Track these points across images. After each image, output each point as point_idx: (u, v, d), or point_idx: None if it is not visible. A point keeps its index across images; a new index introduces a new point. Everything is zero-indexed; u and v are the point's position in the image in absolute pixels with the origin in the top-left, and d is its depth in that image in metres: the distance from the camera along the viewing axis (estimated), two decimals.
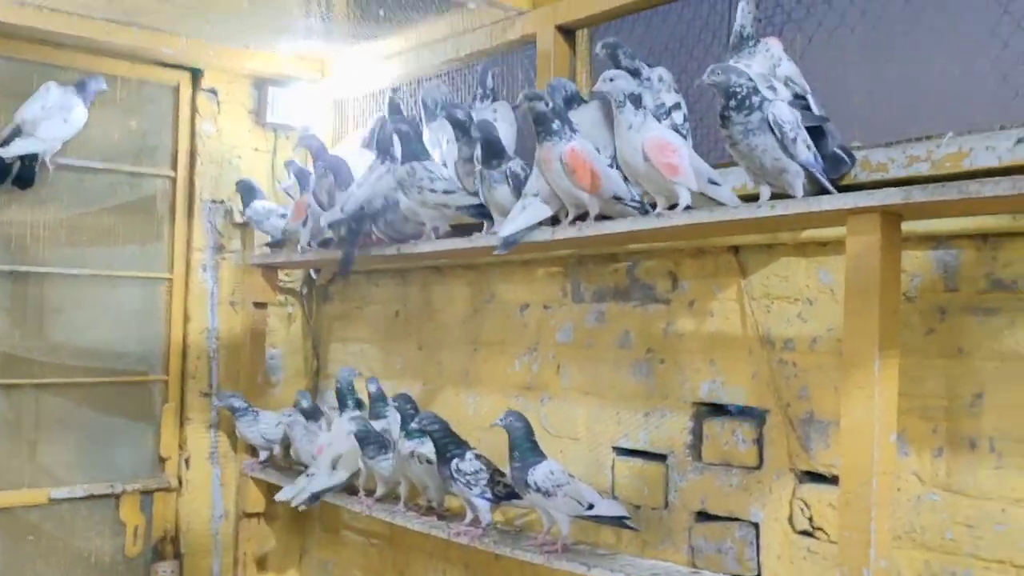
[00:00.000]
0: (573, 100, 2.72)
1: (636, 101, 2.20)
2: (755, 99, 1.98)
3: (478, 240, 2.78)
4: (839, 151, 2.17)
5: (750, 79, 2.01)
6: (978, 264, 2.09)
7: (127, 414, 3.94)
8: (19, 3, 3.39)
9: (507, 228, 2.60)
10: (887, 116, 2.34)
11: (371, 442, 3.08)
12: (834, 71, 2.49)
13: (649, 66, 2.67)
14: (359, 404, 3.47)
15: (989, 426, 2.05)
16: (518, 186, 2.61)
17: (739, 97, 1.98)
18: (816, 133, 2.25)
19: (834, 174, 2.13)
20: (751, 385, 2.55)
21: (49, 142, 3.56)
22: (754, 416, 2.55)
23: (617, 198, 2.42)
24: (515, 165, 2.63)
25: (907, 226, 2.07)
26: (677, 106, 2.57)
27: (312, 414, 3.64)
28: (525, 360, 3.24)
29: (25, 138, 3.51)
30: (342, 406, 3.48)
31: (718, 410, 2.66)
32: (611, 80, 2.22)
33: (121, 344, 3.91)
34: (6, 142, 3.50)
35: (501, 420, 2.62)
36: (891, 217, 1.85)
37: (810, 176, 2.04)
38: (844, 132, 2.34)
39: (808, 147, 2.01)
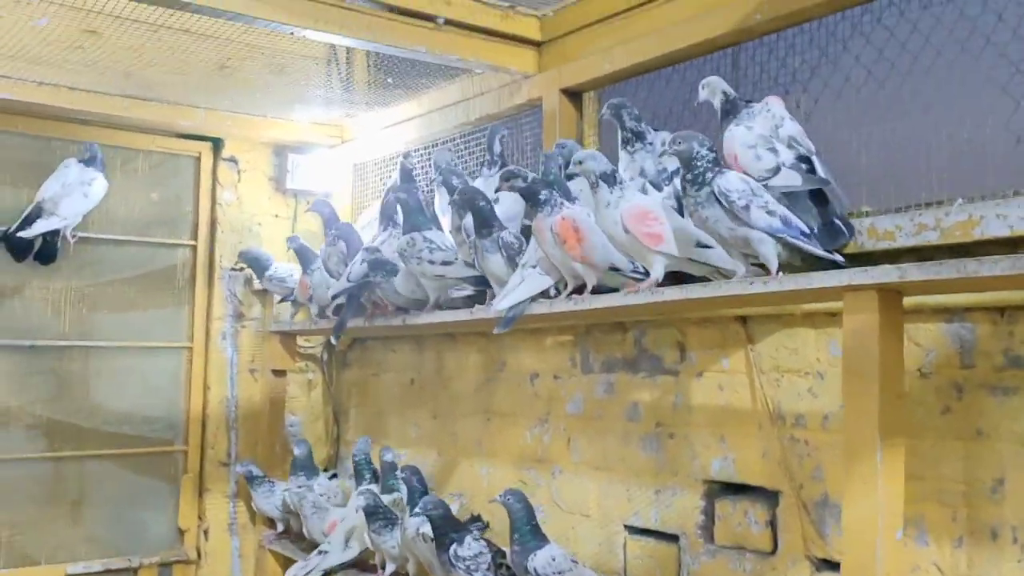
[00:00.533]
0: None
1: (609, 179, 2.13)
2: (709, 175, 1.90)
3: (478, 312, 2.70)
4: (838, 221, 2.05)
5: (711, 149, 1.93)
6: (995, 339, 1.95)
7: (147, 485, 3.92)
8: (38, 83, 3.46)
9: (506, 301, 2.53)
10: (896, 179, 2.21)
11: (379, 517, 2.99)
12: (841, 133, 2.38)
13: (654, 130, 2.61)
14: (376, 477, 3.40)
15: (1011, 514, 1.89)
16: (511, 255, 2.55)
17: (696, 171, 1.91)
18: (820, 197, 2.15)
19: (831, 245, 2.01)
20: (762, 464, 2.41)
21: (71, 218, 3.60)
22: (767, 497, 2.40)
23: (615, 268, 2.34)
24: (507, 234, 2.56)
25: (919, 297, 1.95)
26: (679, 171, 2.48)
27: (305, 466, 3.56)
28: (536, 432, 3.14)
29: (47, 217, 3.55)
30: (359, 479, 3.42)
31: (730, 488, 2.52)
32: (580, 163, 2.15)
33: (143, 416, 3.91)
34: (28, 221, 3.54)
35: (500, 498, 2.53)
36: (890, 294, 1.72)
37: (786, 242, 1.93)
38: (852, 196, 2.23)
39: (770, 212, 1.90)
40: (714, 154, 1.95)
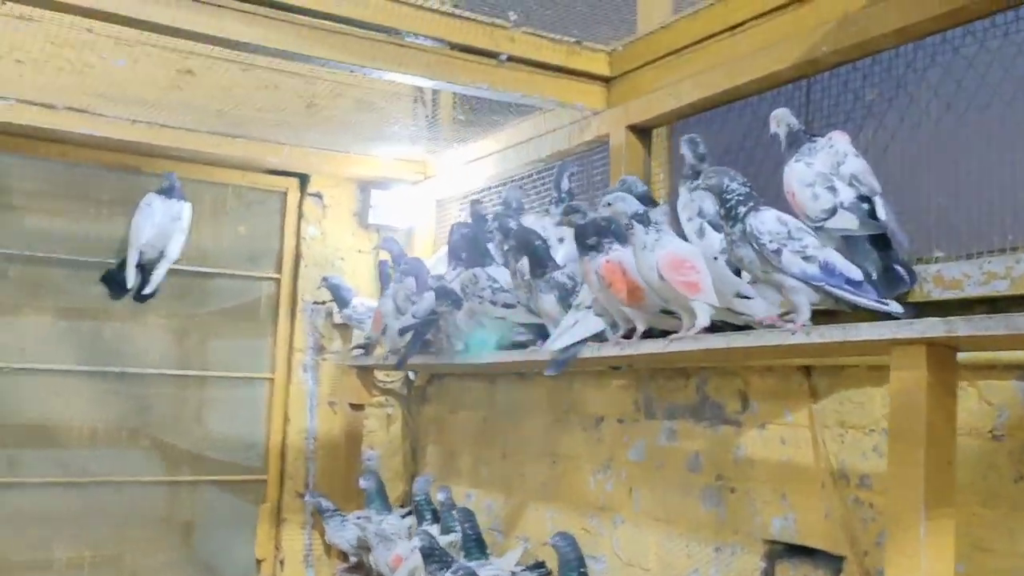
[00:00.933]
0: (643, 201, 2.56)
1: (643, 220, 2.03)
2: (742, 209, 1.79)
3: (532, 354, 2.64)
4: (898, 267, 1.89)
5: (743, 184, 1.82)
6: None
7: (230, 512, 4.00)
8: (131, 121, 3.62)
9: (559, 342, 2.46)
10: (971, 222, 2.03)
11: (434, 559, 2.94)
12: (916, 170, 2.21)
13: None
14: (436, 516, 3.36)
15: None
16: (563, 295, 2.48)
17: (728, 206, 1.80)
18: (883, 240, 1.99)
19: (890, 293, 1.85)
20: (825, 526, 2.24)
21: (176, 253, 3.67)
22: (829, 562, 2.23)
23: (667, 312, 2.23)
24: (560, 274, 2.50)
25: (992, 353, 1.78)
26: None
27: (376, 500, 3.58)
28: (600, 478, 3.03)
29: (161, 263, 3.62)
30: (419, 519, 3.39)
31: (791, 550, 2.35)
32: (609, 204, 2.07)
33: (226, 444, 4.02)
34: (143, 268, 3.62)
35: (550, 540, 2.46)
36: (940, 349, 1.56)
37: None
38: (924, 238, 2.06)
39: (807, 258, 1.76)
40: (747, 189, 1.84)
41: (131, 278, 3.59)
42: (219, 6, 2.50)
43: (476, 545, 3.07)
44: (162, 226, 3.66)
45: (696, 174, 2.44)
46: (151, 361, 3.89)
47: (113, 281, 3.68)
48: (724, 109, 2.75)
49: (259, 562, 3.97)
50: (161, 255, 3.65)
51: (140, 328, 3.89)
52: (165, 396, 3.94)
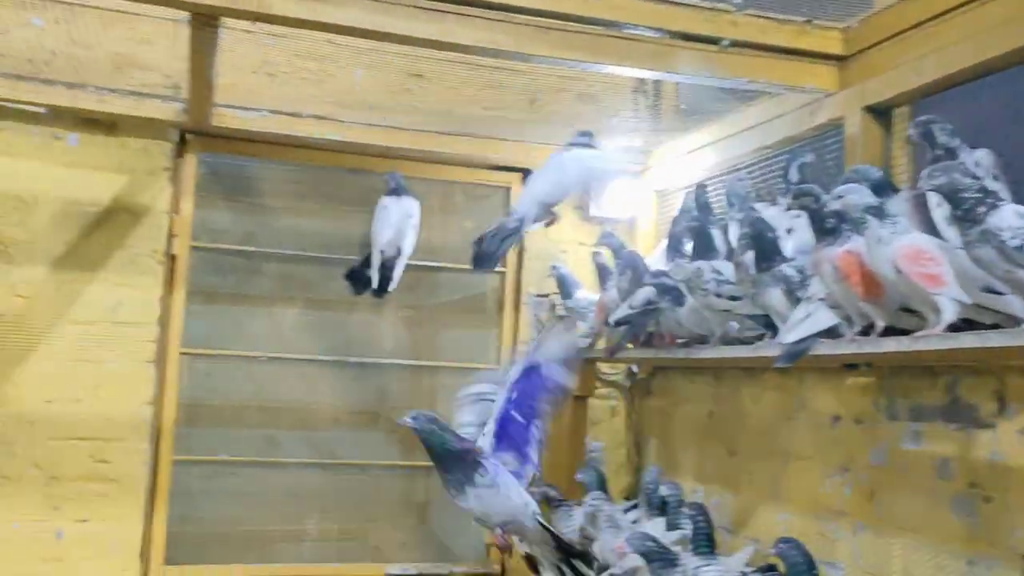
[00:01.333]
0: (881, 189, 2.40)
1: (878, 212, 1.88)
2: (980, 209, 1.61)
3: (760, 349, 2.55)
4: None
5: (976, 179, 1.64)
6: None
7: None
8: (366, 125, 3.83)
9: (792, 334, 2.36)
10: None
11: (655, 559, 2.89)
12: None
13: (971, 148, 2.28)
14: (663, 508, 3.31)
15: None
16: (791, 288, 2.37)
17: (964, 207, 1.63)
18: None
19: None
20: None
21: (411, 250, 3.84)
22: None
23: (907, 310, 2.07)
24: (788, 267, 2.38)
25: None
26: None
27: (595, 489, 3.54)
28: (836, 481, 2.88)
29: (398, 261, 3.80)
30: (649, 510, 3.36)
31: None
32: (840, 197, 1.93)
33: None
34: (385, 267, 3.81)
35: (775, 548, 2.36)
36: None
37: None
38: None
39: None
40: (980, 183, 1.67)
41: (375, 279, 3.77)
42: (443, 12, 2.59)
43: (706, 542, 2.99)
44: (398, 225, 3.82)
45: (949, 153, 2.25)
46: (387, 351, 4.12)
47: (356, 278, 3.89)
48: (976, 84, 2.51)
49: (488, 546, 4.10)
50: (398, 252, 3.83)
51: (378, 320, 4.12)
52: (401, 384, 4.15)
